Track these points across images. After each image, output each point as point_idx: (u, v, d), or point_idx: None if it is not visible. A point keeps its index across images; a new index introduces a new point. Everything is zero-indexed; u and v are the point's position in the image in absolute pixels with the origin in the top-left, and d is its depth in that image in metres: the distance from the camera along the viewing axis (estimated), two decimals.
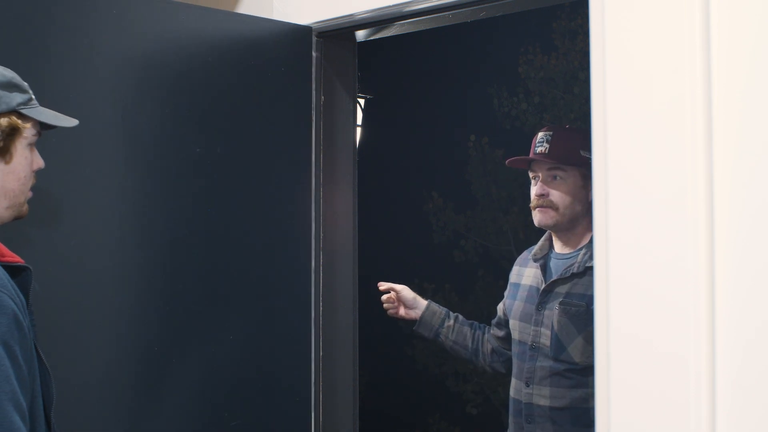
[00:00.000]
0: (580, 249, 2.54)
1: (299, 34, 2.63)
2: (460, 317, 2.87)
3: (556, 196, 2.53)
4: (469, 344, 2.84)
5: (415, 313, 2.82)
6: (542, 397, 2.48)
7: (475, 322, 2.89)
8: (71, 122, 1.73)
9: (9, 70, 1.63)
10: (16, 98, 1.60)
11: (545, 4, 2.50)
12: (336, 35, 2.67)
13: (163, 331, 2.35)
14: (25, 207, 1.66)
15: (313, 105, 2.67)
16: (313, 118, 2.66)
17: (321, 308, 2.67)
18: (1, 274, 1.50)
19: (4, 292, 1.47)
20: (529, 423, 2.51)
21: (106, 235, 2.26)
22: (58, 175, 2.13)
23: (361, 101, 4.28)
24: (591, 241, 2.43)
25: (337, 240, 2.73)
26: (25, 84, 1.65)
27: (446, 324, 2.83)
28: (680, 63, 1.73)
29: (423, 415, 8.99)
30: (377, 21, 2.52)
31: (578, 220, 2.54)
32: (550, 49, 8.53)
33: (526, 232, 8.58)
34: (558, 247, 2.61)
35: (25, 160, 1.63)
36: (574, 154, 2.51)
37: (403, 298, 2.82)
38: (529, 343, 2.55)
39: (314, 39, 2.66)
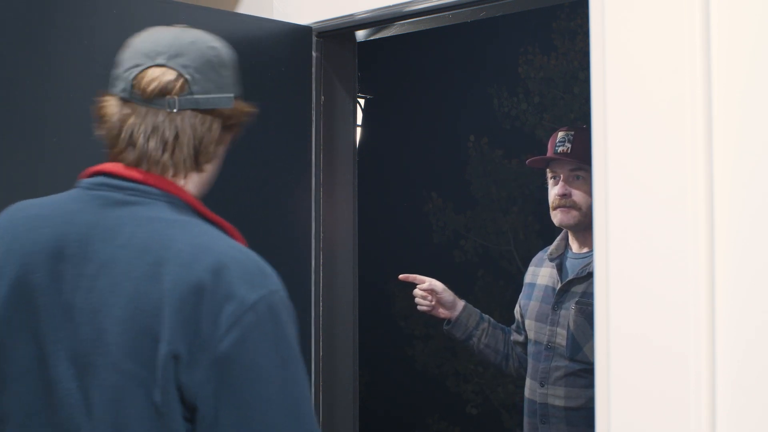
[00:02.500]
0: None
1: (299, 34, 2.63)
2: (492, 320, 2.78)
3: (578, 195, 2.50)
4: (501, 348, 2.75)
5: (450, 313, 2.70)
6: (557, 397, 2.46)
7: (505, 326, 2.79)
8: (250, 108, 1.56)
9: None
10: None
11: (545, 4, 2.50)
12: (336, 35, 2.67)
13: None
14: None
15: (313, 105, 2.67)
16: (313, 118, 2.66)
17: (321, 308, 2.67)
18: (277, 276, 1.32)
19: (285, 292, 1.32)
20: (543, 423, 2.49)
21: None
22: (58, 175, 2.12)
23: (361, 101, 4.29)
24: None
25: (337, 240, 2.73)
26: None
27: (481, 326, 2.73)
28: (680, 63, 1.73)
29: (423, 415, 8.99)
30: (377, 21, 2.52)
31: None
32: (550, 49, 8.53)
33: (526, 232, 8.58)
34: (575, 246, 2.58)
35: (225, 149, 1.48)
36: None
37: (443, 300, 2.68)
38: (545, 343, 2.52)
39: (314, 39, 2.66)
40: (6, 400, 1.27)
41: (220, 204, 2.45)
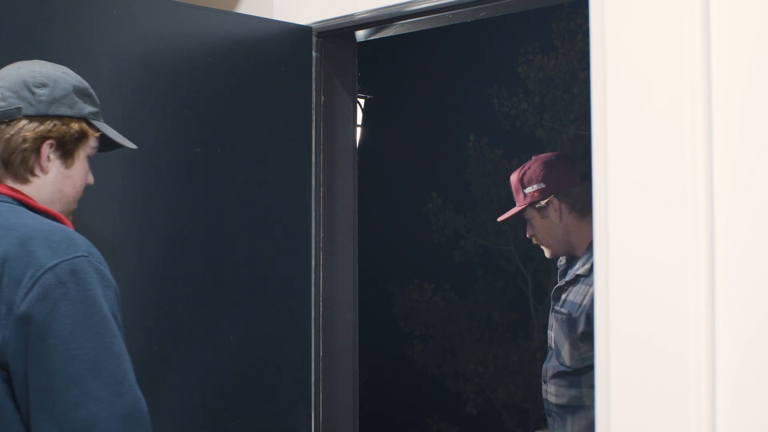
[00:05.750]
0: (579, 259, 2.70)
1: (299, 34, 2.63)
2: None
3: (537, 232, 2.73)
4: None
5: None
6: (551, 394, 2.65)
7: None
8: (131, 145, 1.76)
9: (83, 80, 1.66)
10: (89, 107, 1.63)
11: (545, 4, 2.50)
12: (336, 35, 2.67)
13: (162, 330, 2.35)
14: (71, 217, 1.66)
15: (313, 105, 2.67)
16: (313, 118, 2.66)
17: (321, 308, 2.67)
18: (98, 251, 1.47)
19: (106, 267, 1.45)
20: (549, 417, 2.68)
21: (106, 234, 2.26)
22: None
23: (361, 101, 4.28)
24: (585, 252, 2.63)
25: (337, 240, 2.73)
26: (96, 97, 1.68)
27: None
28: (680, 63, 1.73)
29: (423, 415, 8.99)
30: (377, 21, 2.52)
31: (566, 239, 2.69)
32: (550, 49, 8.54)
33: (526, 232, 8.56)
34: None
35: (83, 168, 1.64)
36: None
37: None
38: (549, 345, 2.72)
39: (314, 39, 2.66)
40: None
41: (220, 204, 2.46)
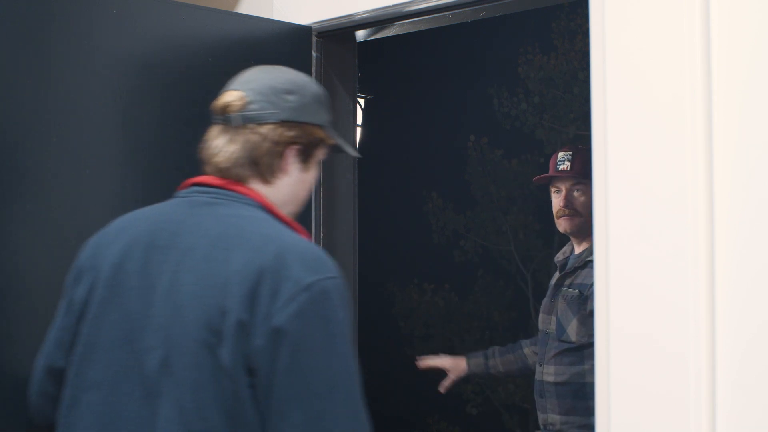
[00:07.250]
0: (589, 247, 2.80)
1: (299, 34, 2.63)
2: (497, 350, 3.15)
3: (579, 205, 2.84)
4: (516, 367, 3.13)
5: (458, 373, 3.26)
6: (549, 374, 2.80)
7: (511, 345, 3.17)
8: (355, 153, 1.84)
9: (320, 88, 1.71)
10: (326, 115, 1.69)
11: (545, 4, 2.50)
12: (336, 35, 2.67)
13: None
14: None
15: None
16: None
17: None
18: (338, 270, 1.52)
19: (345, 288, 1.50)
20: (541, 398, 2.85)
21: None
22: (58, 175, 2.12)
23: (361, 101, 4.29)
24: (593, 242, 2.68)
25: (337, 240, 2.73)
26: (328, 105, 1.72)
27: (490, 366, 3.16)
28: (680, 63, 1.73)
29: (423, 415, 8.99)
30: (377, 21, 2.52)
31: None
32: (550, 49, 8.54)
33: (526, 232, 8.58)
34: (576, 249, 2.90)
35: (316, 173, 1.69)
36: (577, 166, 2.85)
37: (445, 367, 3.26)
38: (545, 330, 2.88)
39: (314, 39, 2.66)
40: (97, 368, 1.49)
41: None
